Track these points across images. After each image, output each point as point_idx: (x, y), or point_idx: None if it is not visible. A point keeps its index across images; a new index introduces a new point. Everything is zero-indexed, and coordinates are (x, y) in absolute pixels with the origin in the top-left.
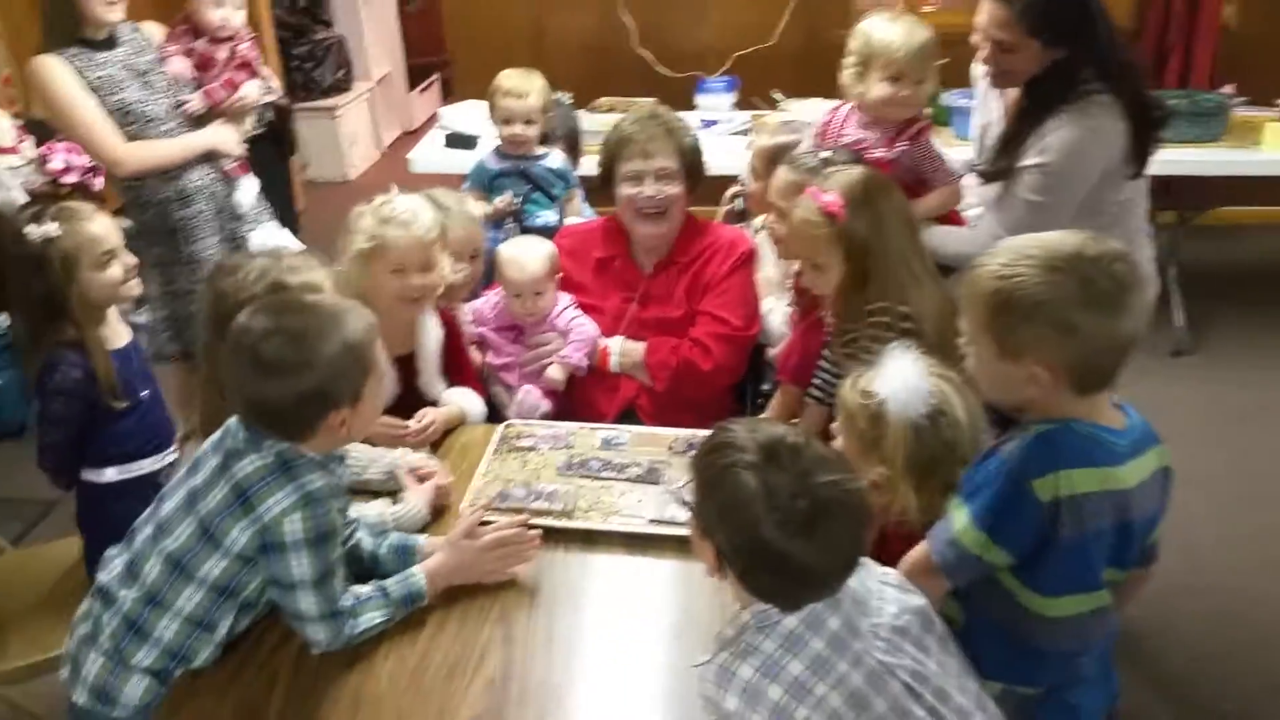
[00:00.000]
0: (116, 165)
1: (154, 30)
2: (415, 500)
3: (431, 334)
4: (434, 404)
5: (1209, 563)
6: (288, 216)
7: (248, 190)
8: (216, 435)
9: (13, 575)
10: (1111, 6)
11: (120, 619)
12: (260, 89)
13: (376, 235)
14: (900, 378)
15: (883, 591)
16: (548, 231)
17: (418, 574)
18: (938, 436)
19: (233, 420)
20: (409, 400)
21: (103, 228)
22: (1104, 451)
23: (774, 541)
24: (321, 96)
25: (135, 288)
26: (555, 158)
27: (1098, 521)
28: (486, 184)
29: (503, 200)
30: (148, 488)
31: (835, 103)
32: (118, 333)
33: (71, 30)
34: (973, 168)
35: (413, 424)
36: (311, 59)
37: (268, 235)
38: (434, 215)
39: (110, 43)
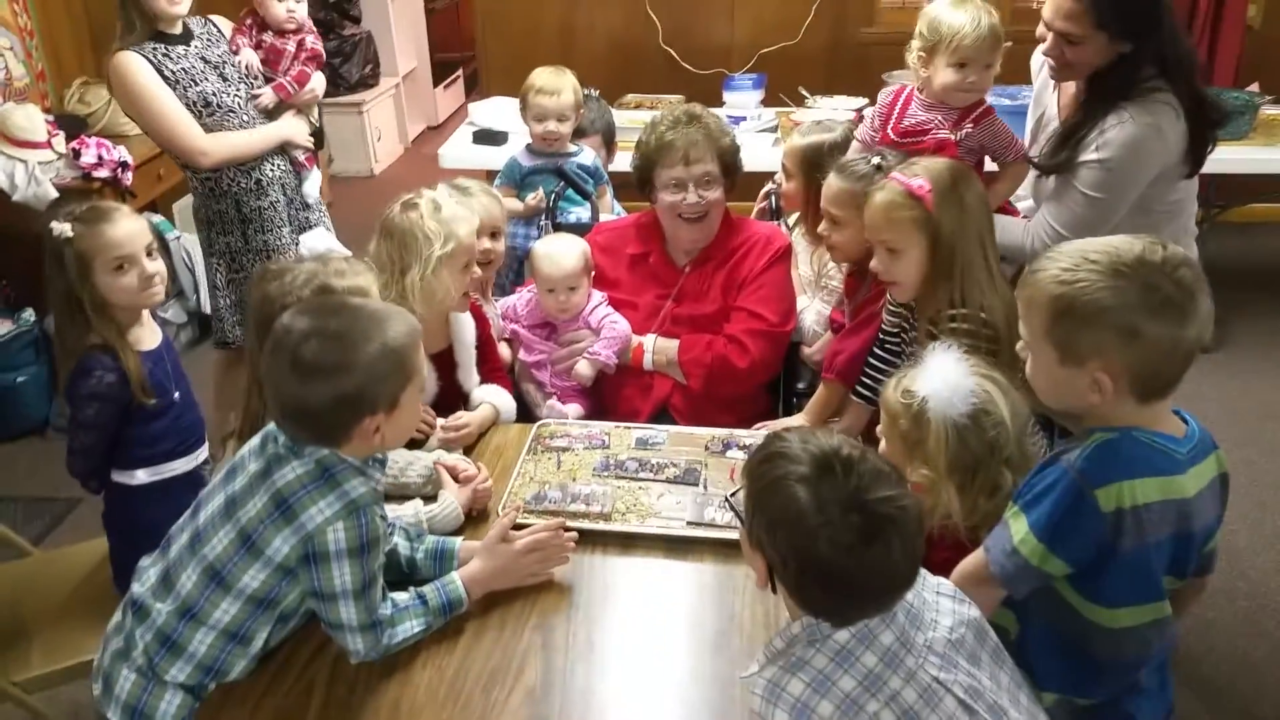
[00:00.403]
0: (202, 156)
1: (223, 23)
2: (451, 500)
3: (467, 327)
4: (468, 398)
5: (1241, 565)
6: None
7: (314, 182)
8: (256, 440)
9: (35, 579)
10: None
11: (154, 634)
12: (323, 81)
13: (451, 236)
14: (941, 376)
15: (938, 603)
16: (580, 228)
17: (456, 580)
18: (980, 437)
19: (273, 425)
20: (449, 399)
21: (124, 232)
22: (1166, 460)
23: (825, 557)
24: (349, 92)
25: (158, 295)
26: (587, 154)
27: (1159, 531)
28: (518, 181)
29: (534, 197)
30: (178, 489)
31: (890, 89)
32: (152, 332)
33: (148, 26)
34: (1028, 159)
35: (444, 422)
36: (340, 55)
37: (315, 240)
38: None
39: (186, 36)
